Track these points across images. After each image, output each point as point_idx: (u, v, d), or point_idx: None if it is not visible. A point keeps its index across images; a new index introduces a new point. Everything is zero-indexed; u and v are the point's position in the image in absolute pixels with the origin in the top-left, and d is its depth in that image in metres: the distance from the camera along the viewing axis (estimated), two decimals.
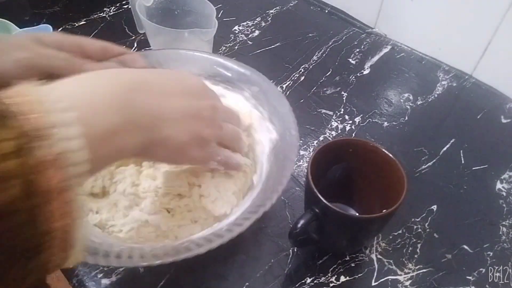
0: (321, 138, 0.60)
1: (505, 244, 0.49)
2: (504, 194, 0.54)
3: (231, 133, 0.43)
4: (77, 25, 0.77)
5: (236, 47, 0.74)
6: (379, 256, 0.47)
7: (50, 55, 0.41)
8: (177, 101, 0.35)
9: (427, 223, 0.50)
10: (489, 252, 0.48)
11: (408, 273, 0.46)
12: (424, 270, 0.46)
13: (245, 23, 0.80)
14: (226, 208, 0.43)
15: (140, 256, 0.34)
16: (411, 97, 0.67)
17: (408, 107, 0.66)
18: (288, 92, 0.67)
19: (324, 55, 0.74)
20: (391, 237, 0.49)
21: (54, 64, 0.41)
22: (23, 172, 0.21)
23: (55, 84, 0.26)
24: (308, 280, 0.45)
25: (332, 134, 0.61)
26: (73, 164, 0.23)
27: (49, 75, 0.40)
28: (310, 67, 0.72)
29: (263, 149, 0.47)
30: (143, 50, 0.70)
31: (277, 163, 0.44)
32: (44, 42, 0.42)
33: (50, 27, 0.66)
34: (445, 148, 0.59)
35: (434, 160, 0.58)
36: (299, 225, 0.40)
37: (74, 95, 0.27)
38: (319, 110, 0.64)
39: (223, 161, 0.41)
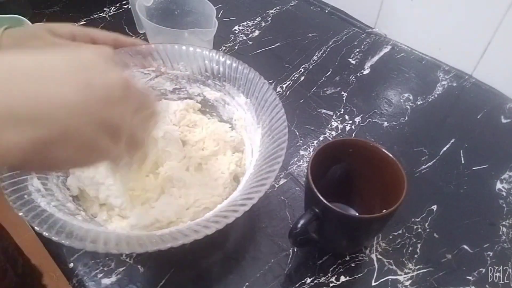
0: (321, 138, 0.60)
1: (505, 244, 0.49)
2: (504, 194, 0.54)
3: (144, 101, 0.33)
4: (77, 25, 0.77)
5: (236, 47, 0.74)
6: (379, 256, 0.47)
7: (61, 45, 0.43)
8: (73, 82, 0.26)
9: (427, 223, 0.50)
10: (489, 252, 0.48)
11: (408, 273, 0.46)
12: (424, 270, 0.46)
13: (245, 23, 0.80)
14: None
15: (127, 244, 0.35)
16: (411, 97, 0.67)
17: (408, 107, 0.66)
18: (288, 92, 0.67)
19: (324, 55, 0.74)
20: (391, 237, 0.49)
21: None
22: None
23: None
24: (308, 280, 0.45)
25: (332, 134, 0.61)
26: None
27: None
28: (310, 67, 0.72)
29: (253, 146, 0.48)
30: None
31: (267, 115, 0.46)
32: (56, 32, 0.43)
33: None
34: (445, 148, 0.59)
35: (434, 160, 0.58)
36: (299, 225, 0.40)
37: None
38: (319, 110, 0.64)
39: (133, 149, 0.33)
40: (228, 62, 0.51)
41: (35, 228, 0.35)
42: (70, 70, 0.26)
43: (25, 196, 0.37)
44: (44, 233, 0.34)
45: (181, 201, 0.45)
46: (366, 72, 0.71)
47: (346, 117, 0.63)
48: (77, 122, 0.26)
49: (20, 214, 0.35)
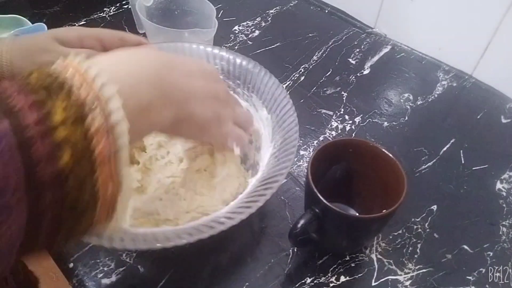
0: (321, 138, 0.60)
1: (505, 244, 0.49)
2: (504, 194, 0.54)
3: (244, 116, 0.46)
4: (77, 25, 0.77)
5: (236, 47, 0.74)
6: (379, 256, 0.47)
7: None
8: (199, 82, 0.38)
9: (427, 223, 0.50)
10: (489, 252, 0.48)
11: (408, 273, 0.46)
12: (424, 270, 0.46)
13: (245, 23, 0.80)
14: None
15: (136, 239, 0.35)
16: (411, 97, 0.67)
17: (408, 107, 0.66)
18: (288, 92, 0.66)
19: (324, 55, 0.74)
20: (391, 237, 0.49)
21: None
22: (75, 140, 0.23)
23: (97, 59, 0.29)
24: (308, 280, 0.45)
25: (332, 134, 0.61)
26: (117, 134, 0.25)
27: None
28: (310, 67, 0.72)
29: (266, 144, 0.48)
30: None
31: (281, 135, 0.45)
32: (63, 40, 0.45)
33: (44, 26, 0.66)
34: (445, 148, 0.59)
35: (434, 160, 0.58)
36: (299, 225, 0.40)
37: (114, 70, 0.29)
38: (319, 110, 0.64)
39: (236, 140, 0.43)
40: (261, 73, 0.50)
41: None
42: (199, 72, 0.38)
43: None
44: None
45: (183, 203, 0.44)
46: (366, 72, 0.71)
47: (346, 117, 0.63)
48: (199, 108, 0.37)
49: None
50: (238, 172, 0.48)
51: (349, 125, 0.62)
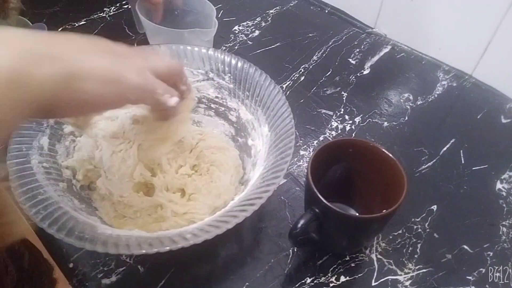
0: (321, 138, 0.60)
1: (505, 244, 0.49)
2: (504, 194, 0.54)
3: (169, 65, 0.35)
4: (77, 25, 0.77)
5: (236, 47, 0.74)
6: (379, 256, 0.47)
7: None
8: (90, 42, 0.31)
9: (427, 223, 0.50)
10: (489, 252, 0.48)
11: (408, 273, 0.46)
12: (424, 270, 0.46)
13: (245, 23, 0.80)
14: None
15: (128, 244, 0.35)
16: (411, 97, 0.67)
17: (408, 107, 0.66)
18: (288, 92, 0.67)
19: (324, 55, 0.74)
20: (391, 237, 0.49)
21: None
22: None
23: None
24: (308, 280, 0.45)
25: (332, 134, 0.61)
26: None
27: None
28: (310, 67, 0.72)
29: (260, 148, 0.48)
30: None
31: (274, 156, 0.43)
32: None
33: (44, 25, 0.66)
34: (445, 148, 0.59)
35: (434, 160, 0.58)
36: (299, 225, 0.40)
37: None
38: (319, 110, 0.64)
39: (165, 97, 0.34)
40: (270, 87, 0.49)
41: (39, 224, 0.35)
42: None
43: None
44: (47, 229, 0.35)
45: (174, 206, 0.45)
46: (366, 72, 0.71)
47: (346, 117, 0.63)
48: (103, 59, 0.30)
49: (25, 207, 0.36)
50: (233, 183, 0.48)
51: (349, 125, 0.62)
